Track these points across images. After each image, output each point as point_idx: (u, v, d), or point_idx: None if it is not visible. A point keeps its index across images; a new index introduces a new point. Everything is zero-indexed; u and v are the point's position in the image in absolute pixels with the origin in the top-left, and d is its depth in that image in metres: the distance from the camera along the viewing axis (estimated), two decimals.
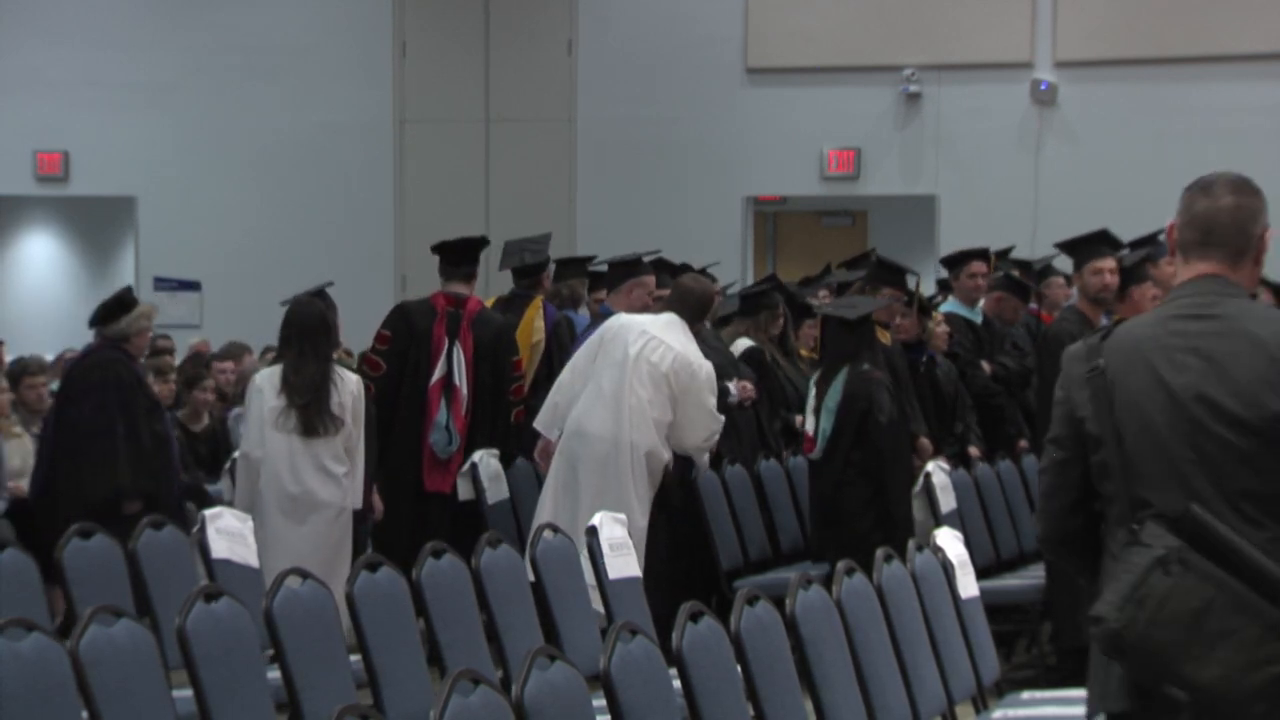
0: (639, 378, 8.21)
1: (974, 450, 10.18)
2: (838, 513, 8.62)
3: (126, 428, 8.72)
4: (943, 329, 10.31)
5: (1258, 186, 4.02)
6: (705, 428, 8.43)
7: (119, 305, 8.99)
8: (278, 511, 7.86)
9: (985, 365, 10.62)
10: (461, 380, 9.03)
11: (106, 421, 8.70)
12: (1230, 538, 3.72)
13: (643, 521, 8.14)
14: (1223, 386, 3.84)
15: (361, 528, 8.58)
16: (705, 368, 8.34)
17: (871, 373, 8.69)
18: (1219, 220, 3.96)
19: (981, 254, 11.04)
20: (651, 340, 8.27)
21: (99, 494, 8.46)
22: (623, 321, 8.47)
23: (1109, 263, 9.45)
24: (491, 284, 12.24)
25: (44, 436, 9.17)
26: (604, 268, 9.91)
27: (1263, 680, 3.66)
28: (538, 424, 8.55)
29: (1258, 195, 4.01)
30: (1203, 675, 3.68)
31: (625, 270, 9.26)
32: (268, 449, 7.89)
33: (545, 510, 8.18)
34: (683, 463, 8.68)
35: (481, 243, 9.53)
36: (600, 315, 9.29)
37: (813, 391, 8.81)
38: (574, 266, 10.69)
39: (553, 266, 10.17)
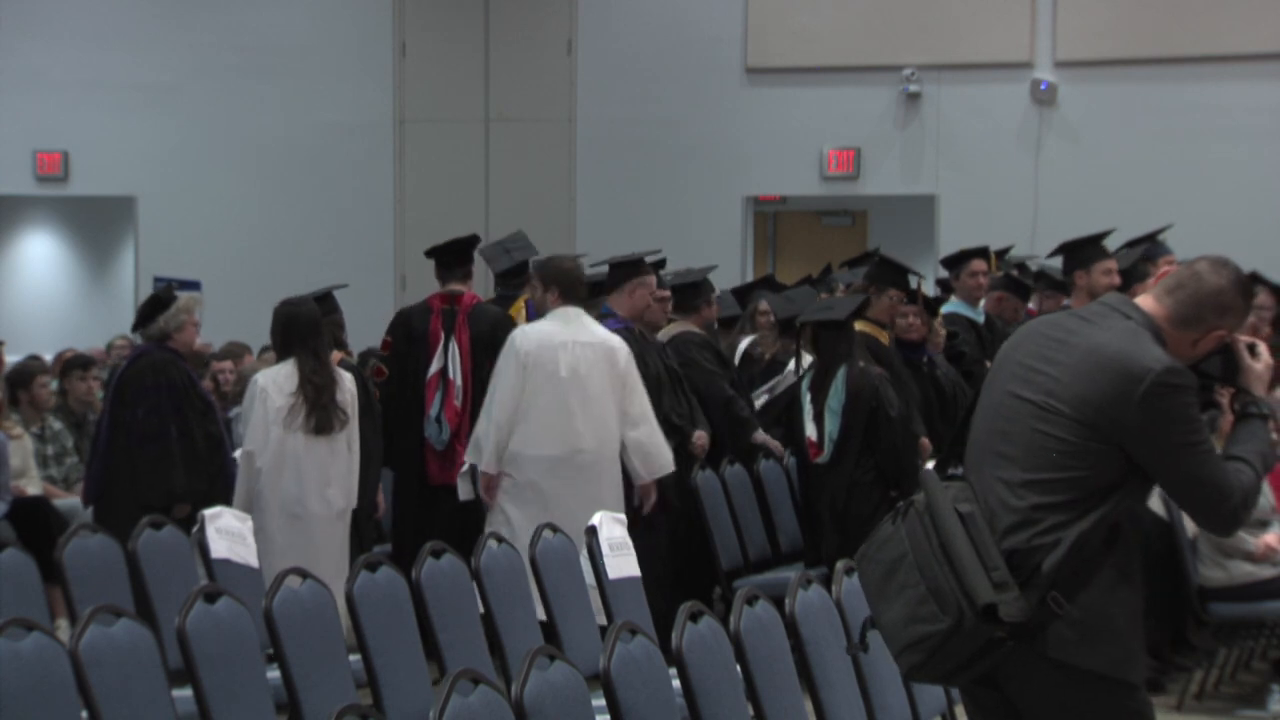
0: (582, 395, 8.16)
1: None
2: (850, 516, 8.56)
3: (180, 430, 8.71)
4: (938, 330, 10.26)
5: (1249, 304, 4.17)
6: (645, 399, 8.34)
7: (153, 305, 8.92)
8: (280, 513, 7.84)
9: (989, 366, 10.60)
10: (456, 372, 9.06)
11: (160, 425, 8.67)
12: (938, 503, 4.02)
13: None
14: (1044, 370, 4.08)
15: (367, 525, 8.57)
16: (623, 346, 8.31)
17: (871, 368, 8.65)
18: (1194, 285, 4.12)
19: (981, 253, 11.04)
20: (573, 351, 8.20)
21: (153, 497, 8.44)
22: (533, 342, 8.21)
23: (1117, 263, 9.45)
24: (493, 288, 12.22)
25: (95, 439, 9.15)
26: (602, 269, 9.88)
27: (913, 636, 4.03)
28: (477, 461, 8.21)
29: (1239, 308, 4.14)
30: (881, 618, 4.12)
31: (626, 271, 9.23)
32: (273, 449, 7.88)
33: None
34: (682, 464, 8.67)
35: (473, 241, 9.54)
36: (601, 316, 9.26)
37: (807, 397, 8.74)
38: None
39: None
